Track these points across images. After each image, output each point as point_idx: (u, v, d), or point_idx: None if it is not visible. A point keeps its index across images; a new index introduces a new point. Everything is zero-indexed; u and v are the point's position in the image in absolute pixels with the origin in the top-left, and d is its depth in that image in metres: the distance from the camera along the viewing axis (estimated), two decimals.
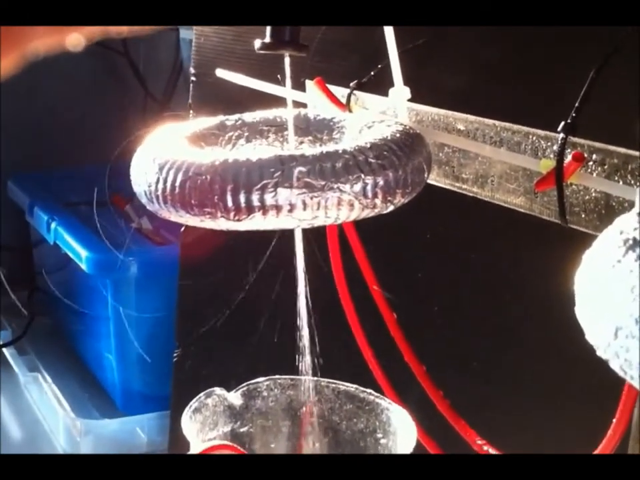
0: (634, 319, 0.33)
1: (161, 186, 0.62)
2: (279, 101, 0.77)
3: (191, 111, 1.15)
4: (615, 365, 0.35)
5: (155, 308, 1.38)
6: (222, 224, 0.61)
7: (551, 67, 0.69)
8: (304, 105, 0.82)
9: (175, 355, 1.23)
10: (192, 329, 1.21)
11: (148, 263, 1.39)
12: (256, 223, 0.61)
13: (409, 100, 0.73)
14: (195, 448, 0.66)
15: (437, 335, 0.85)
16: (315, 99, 0.80)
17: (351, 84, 0.78)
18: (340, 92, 0.80)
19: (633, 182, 0.57)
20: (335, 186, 0.60)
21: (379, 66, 0.76)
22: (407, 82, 0.73)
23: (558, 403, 0.76)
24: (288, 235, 0.72)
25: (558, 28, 0.62)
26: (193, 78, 1.15)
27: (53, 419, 1.43)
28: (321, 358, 0.77)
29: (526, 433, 0.77)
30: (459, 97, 0.74)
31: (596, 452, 0.61)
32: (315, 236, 0.81)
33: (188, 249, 1.20)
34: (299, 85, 0.85)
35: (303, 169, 0.59)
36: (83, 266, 1.36)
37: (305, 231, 0.72)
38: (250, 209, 0.60)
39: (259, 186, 0.59)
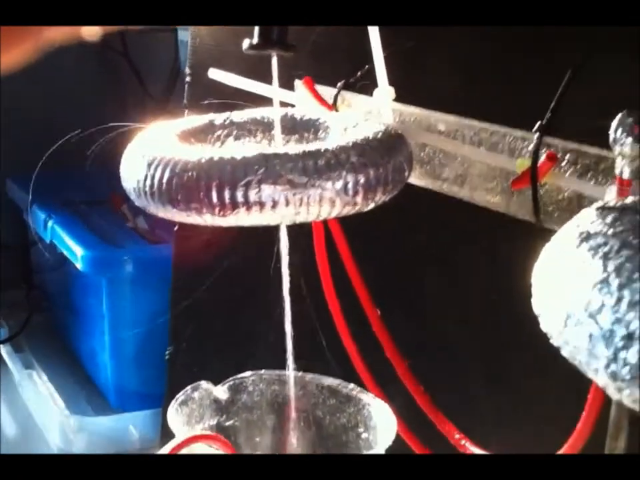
0: (583, 307, 0.35)
1: (149, 182, 0.64)
2: (271, 101, 0.79)
3: (186, 111, 1.17)
4: (565, 352, 0.36)
5: (150, 306, 1.40)
6: (207, 219, 0.63)
7: (530, 69, 0.70)
8: (293, 105, 0.84)
9: (168, 352, 1.24)
10: (185, 326, 1.23)
11: (143, 262, 1.40)
12: (240, 218, 0.62)
13: (393, 100, 0.75)
14: (179, 437, 0.68)
15: (421, 332, 0.86)
16: (304, 99, 0.82)
17: (338, 84, 0.80)
18: (330, 92, 0.82)
19: (603, 182, 0.59)
20: (317, 183, 0.61)
21: (366, 67, 0.78)
22: (393, 83, 0.75)
23: (538, 400, 0.78)
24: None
25: (535, 34, 0.64)
26: (188, 78, 1.17)
27: (47, 415, 1.44)
28: (307, 353, 0.79)
29: (505, 429, 0.79)
30: (443, 98, 0.76)
31: (562, 450, 0.62)
32: (301, 236, 0.83)
33: (181, 247, 1.22)
34: (292, 85, 0.87)
35: (285, 166, 0.61)
36: (79, 264, 1.38)
37: (292, 230, 0.73)
38: (234, 205, 0.61)
39: (243, 182, 0.61)
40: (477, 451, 0.73)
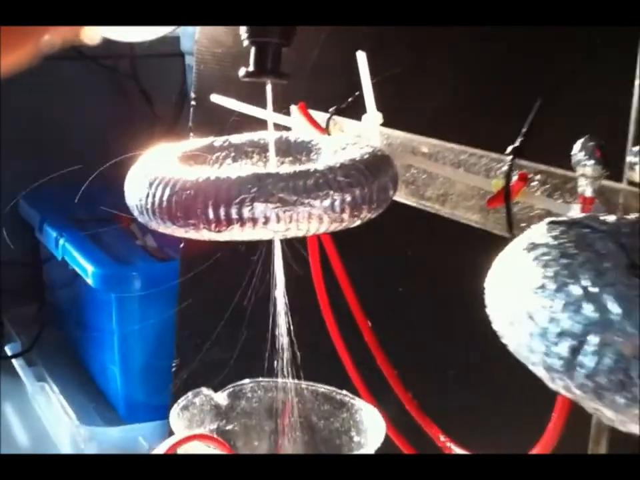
0: (524, 309, 0.40)
1: (150, 200, 0.69)
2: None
3: (191, 134, 1.22)
4: (511, 348, 0.41)
5: (157, 321, 1.45)
6: (204, 235, 0.68)
7: (506, 98, 0.75)
8: (289, 128, 0.89)
9: (174, 364, 1.29)
10: (190, 339, 1.27)
11: (151, 278, 1.45)
12: (235, 234, 0.67)
13: (381, 124, 0.80)
14: (177, 436, 0.72)
15: (411, 343, 0.91)
16: (298, 123, 0.87)
17: (330, 109, 0.85)
18: (325, 116, 0.87)
19: (570, 200, 0.63)
20: (306, 201, 0.66)
21: (356, 93, 0.83)
22: (385, 107, 0.80)
23: (518, 403, 0.82)
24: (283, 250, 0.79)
25: (510, 67, 0.69)
26: (193, 102, 1.22)
27: (59, 426, 1.49)
28: (303, 363, 0.83)
29: (488, 430, 0.83)
30: (427, 123, 0.80)
31: (534, 450, 0.67)
32: (297, 252, 0.88)
33: (187, 264, 1.27)
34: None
35: (277, 185, 0.66)
36: (89, 280, 1.43)
37: (288, 246, 0.78)
38: (229, 221, 0.66)
39: (237, 200, 0.66)
40: (461, 451, 0.77)
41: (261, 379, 0.86)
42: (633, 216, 0.50)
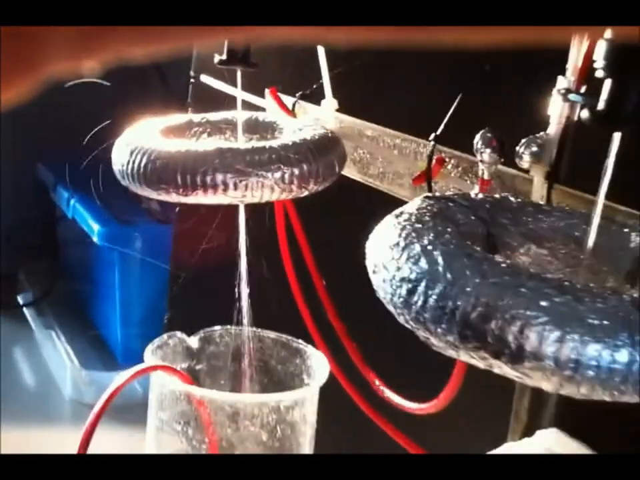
0: (381, 261, 0.52)
1: (130, 166, 0.82)
2: (252, 104, 0.96)
3: (190, 108, 1.35)
4: (379, 296, 0.54)
5: (155, 277, 1.58)
6: (174, 198, 0.81)
7: (437, 93, 0.88)
8: (263, 109, 1.02)
9: (166, 317, 1.42)
10: (180, 295, 1.40)
11: (151, 238, 1.58)
12: (199, 198, 0.80)
13: (336, 110, 0.92)
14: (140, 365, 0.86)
15: (357, 299, 1.04)
16: (270, 105, 1.00)
17: (297, 94, 0.98)
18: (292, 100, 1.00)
19: (475, 181, 0.76)
20: (259, 173, 0.79)
21: (321, 81, 0.95)
22: (346, 95, 0.92)
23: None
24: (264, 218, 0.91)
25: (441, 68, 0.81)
26: (191, 80, 1.35)
27: (63, 370, 1.63)
28: (267, 313, 0.96)
29: (420, 379, 0.96)
30: (375, 110, 0.93)
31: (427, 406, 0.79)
32: (267, 223, 1.00)
33: (180, 226, 1.40)
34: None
35: (235, 159, 0.79)
36: (95, 238, 1.56)
37: (258, 219, 0.91)
38: (194, 187, 0.79)
39: (201, 170, 0.78)
40: (390, 394, 0.90)
41: (229, 326, 0.99)
42: (498, 195, 0.62)
